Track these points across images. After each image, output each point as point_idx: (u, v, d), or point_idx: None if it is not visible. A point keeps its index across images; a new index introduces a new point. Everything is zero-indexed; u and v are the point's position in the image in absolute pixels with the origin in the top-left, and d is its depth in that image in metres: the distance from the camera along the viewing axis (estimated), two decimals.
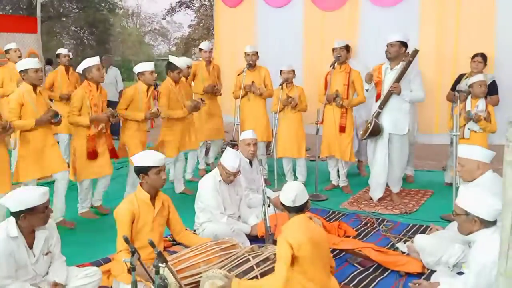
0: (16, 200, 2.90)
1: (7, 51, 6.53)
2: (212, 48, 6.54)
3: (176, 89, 5.54)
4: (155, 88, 7.61)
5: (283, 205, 2.94)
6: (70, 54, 7.55)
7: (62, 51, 7.31)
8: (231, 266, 3.10)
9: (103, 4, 23.13)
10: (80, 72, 4.90)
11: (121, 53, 29.45)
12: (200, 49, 6.57)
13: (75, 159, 4.84)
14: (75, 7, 22.59)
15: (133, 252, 2.54)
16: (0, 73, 6.53)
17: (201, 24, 24.16)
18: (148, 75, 5.15)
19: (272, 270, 2.97)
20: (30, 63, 4.41)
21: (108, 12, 23.70)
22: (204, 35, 23.78)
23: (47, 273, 3.12)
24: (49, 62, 11.86)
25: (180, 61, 5.58)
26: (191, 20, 25.98)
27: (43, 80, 5.32)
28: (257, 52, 6.13)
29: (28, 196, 2.91)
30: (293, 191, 2.91)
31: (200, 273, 3.10)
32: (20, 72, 4.41)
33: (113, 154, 5.03)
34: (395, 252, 3.92)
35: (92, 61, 4.78)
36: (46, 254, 3.09)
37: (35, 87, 4.43)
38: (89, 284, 3.15)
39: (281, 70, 5.84)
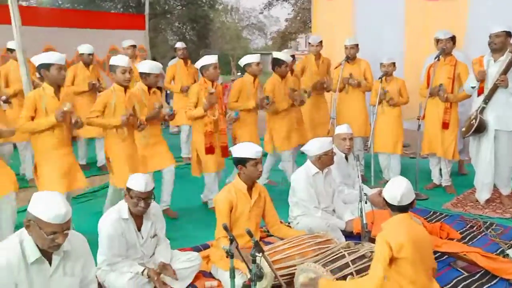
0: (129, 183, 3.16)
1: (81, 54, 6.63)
2: (321, 41, 6.33)
3: (282, 84, 5.49)
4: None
5: (386, 202, 2.83)
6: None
7: (178, 45, 7.67)
8: (326, 260, 3.07)
9: (204, 1, 24.05)
10: (198, 68, 5.02)
11: (219, 47, 30.42)
12: (309, 43, 6.47)
13: (196, 153, 4.99)
14: (179, 4, 23.74)
15: (232, 240, 2.63)
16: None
17: (298, 18, 24.10)
18: (255, 67, 5.26)
19: (368, 268, 2.90)
20: (150, 66, 4.62)
21: (209, 8, 24.57)
22: (301, 29, 23.72)
23: (153, 254, 3.35)
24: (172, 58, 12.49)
25: (285, 54, 5.56)
26: (288, 14, 26.07)
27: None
28: (357, 45, 5.97)
29: (136, 183, 3.15)
30: (399, 190, 2.76)
31: (295, 265, 3.13)
32: (140, 74, 4.64)
33: (225, 152, 5.04)
34: (505, 259, 3.62)
35: (209, 60, 4.86)
36: (153, 237, 3.32)
37: (149, 88, 4.64)
38: (190, 268, 3.33)
39: (381, 63, 5.64)
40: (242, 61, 5.37)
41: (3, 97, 5.43)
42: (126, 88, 4.34)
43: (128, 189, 3.16)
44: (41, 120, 3.88)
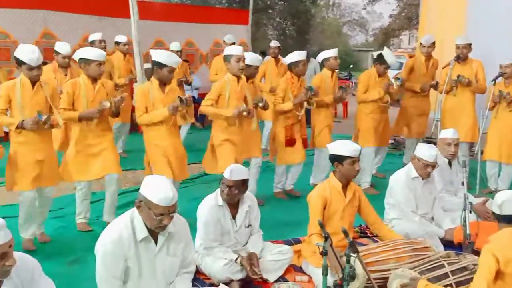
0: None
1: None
2: (434, 42, 5.96)
3: (378, 80, 5.44)
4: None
5: (493, 213, 2.65)
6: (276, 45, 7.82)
7: (273, 43, 7.76)
8: (423, 268, 2.95)
9: None
10: (287, 63, 5.16)
11: (319, 43, 30.21)
12: (420, 44, 6.14)
13: (275, 144, 5.17)
14: None
15: (326, 237, 2.62)
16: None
17: (403, 14, 23.17)
18: (333, 61, 5.31)
19: (469, 281, 2.73)
20: (251, 58, 4.72)
21: (311, 4, 24.53)
22: (405, 25, 22.77)
23: (246, 243, 3.46)
24: (262, 53, 12.77)
25: (391, 58, 5.43)
26: (393, 10, 25.15)
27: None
28: (469, 45, 5.58)
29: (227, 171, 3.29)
30: (501, 197, 2.60)
31: (389, 269, 3.04)
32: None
33: (305, 143, 5.23)
34: None
35: (299, 56, 4.98)
36: (248, 226, 3.42)
37: (248, 78, 4.74)
38: (281, 260, 3.38)
39: (500, 65, 5.25)
40: (320, 57, 5.43)
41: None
42: (239, 78, 4.52)
43: (222, 177, 3.30)
44: (155, 113, 4.13)
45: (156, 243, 2.63)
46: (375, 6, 28.44)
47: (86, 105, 4.01)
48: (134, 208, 2.60)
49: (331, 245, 2.62)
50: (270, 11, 24.14)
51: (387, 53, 5.44)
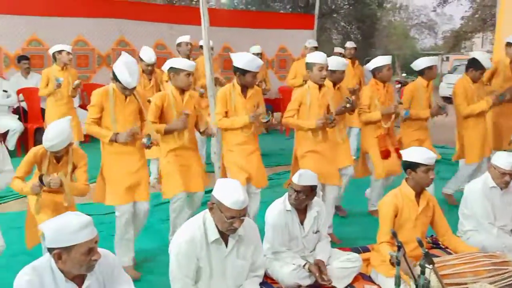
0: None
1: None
2: None
3: (474, 88, 5.08)
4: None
5: None
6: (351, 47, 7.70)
7: (348, 44, 7.61)
8: (503, 284, 2.80)
9: None
10: (370, 69, 4.86)
11: (384, 47, 29.51)
12: (509, 43, 5.70)
13: (367, 157, 4.88)
14: (346, 3, 23.67)
15: (399, 246, 2.55)
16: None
17: (476, 16, 22.06)
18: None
19: None
20: (337, 63, 4.57)
21: (377, 7, 24.00)
22: (479, 27, 21.68)
23: (313, 249, 3.43)
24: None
25: (486, 62, 5.05)
26: (465, 12, 24.03)
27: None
28: None
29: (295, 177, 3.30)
30: None
31: (466, 283, 2.90)
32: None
33: (399, 154, 4.70)
34: None
35: (383, 61, 4.69)
36: (315, 232, 3.40)
37: (334, 84, 4.61)
38: (350, 268, 3.33)
39: None
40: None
41: (201, 90, 6.02)
42: (321, 86, 4.25)
43: (291, 182, 3.31)
44: (236, 119, 4.01)
45: (226, 245, 2.68)
46: (446, 8, 27.41)
47: (175, 117, 3.87)
48: (207, 210, 2.67)
49: (404, 255, 2.55)
50: (335, 15, 23.86)
51: (482, 56, 5.07)
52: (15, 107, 6.90)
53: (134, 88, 3.63)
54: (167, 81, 5.44)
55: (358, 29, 24.54)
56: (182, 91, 3.92)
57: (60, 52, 5.76)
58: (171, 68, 3.89)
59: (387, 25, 31.74)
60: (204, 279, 2.66)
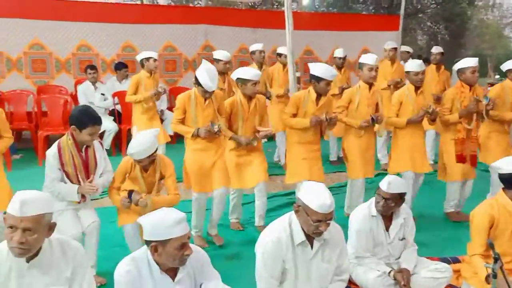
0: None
1: (253, 53, 6.54)
2: None
3: None
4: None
5: None
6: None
7: (435, 49, 7.28)
8: None
9: None
10: (455, 70, 4.74)
11: (475, 47, 27.80)
12: None
13: (445, 160, 4.81)
14: (433, 2, 22.64)
15: (496, 258, 2.41)
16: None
17: None
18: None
19: None
20: (416, 65, 4.63)
21: (467, 5, 22.70)
22: None
23: (399, 257, 3.33)
24: (425, 60, 12.17)
25: None
26: None
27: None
28: None
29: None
30: None
31: None
32: (407, 72, 4.70)
33: (473, 161, 4.71)
34: None
35: (467, 63, 4.54)
36: (401, 239, 3.30)
37: (417, 88, 4.62)
38: (440, 278, 3.20)
39: None
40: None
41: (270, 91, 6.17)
42: (371, 85, 4.57)
43: (378, 188, 3.24)
44: (299, 121, 4.38)
45: (312, 248, 2.69)
46: None
47: (242, 121, 4.31)
48: (292, 212, 2.70)
49: (501, 267, 2.40)
50: (421, 15, 22.92)
51: None
52: (110, 109, 7.40)
53: (213, 91, 4.03)
54: None
55: (446, 29, 23.37)
56: (250, 98, 4.30)
57: (147, 59, 6.08)
58: (238, 78, 4.26)
59: (478, 24, 29.87)
60: (289, 281, 2.69)
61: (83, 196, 3.47)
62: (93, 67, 7.19)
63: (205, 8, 9.23)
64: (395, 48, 7.07)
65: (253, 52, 6.50)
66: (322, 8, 23.11)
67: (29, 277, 2.22)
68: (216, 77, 3.99)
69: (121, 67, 7.42)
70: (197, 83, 3.97)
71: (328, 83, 4.26)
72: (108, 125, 7.00)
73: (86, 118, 3.33)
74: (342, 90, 6.75)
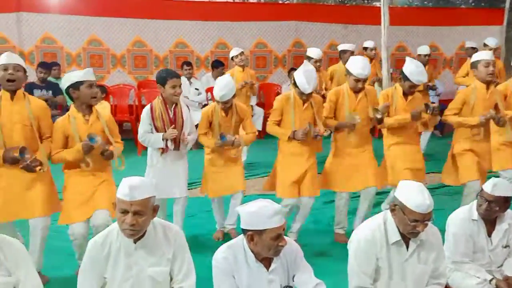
0: None
1: (343, 51, 6.42)
2: None
3: None
4: None
5: None
6: None
7: None
8: None
9: None
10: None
11: None
12: None
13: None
14: None
15: None
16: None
17: None
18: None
19: None
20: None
21: None
22: None
23: (501, 265, 3.13)
24: None
25: None
26: None
27: None
28: None
29: None
30: None
31: None
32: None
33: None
34: None
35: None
36: (505, 247, 3.10)
37: (488, 83, 4.24)
38: None
39: None
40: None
41: None
42: (488, 84, 4.19)
43: (481, 190, 3.06)
44: (398, 118, 4.18)
45: (407, 248, 2.62)
46: None
47: (347, 113, 4.11)
48: (388, 211, 2.64)
49: None
50: None
51: None
52: (203, 103, 7.71)
53: (310, 94, 3.96)
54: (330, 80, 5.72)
55: None
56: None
57: (236, 56, 6.32)
58: (347, 70, 4.13)
59: None
60: (383, 280, 2.64)
61: (166, 145, 3.84)
62: (188, 64, 7.53)
63: (296, 5, 9.26)
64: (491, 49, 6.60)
65: (343, 51, 6.46)
66: (415, 3, 22.12)
67: (136, 256, 2.40)
68: (313, 79, 3.89)
69: (218, 65, 7.71)
70: (294, 84, 3.95)
71: (412, 85, 4.10)
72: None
73: (164, 73, 3.83)
74: (427, 87, 6.47)
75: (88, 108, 3.44)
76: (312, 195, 4.10)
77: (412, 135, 4.30)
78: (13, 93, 3.31)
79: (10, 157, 3.21)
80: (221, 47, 8.51)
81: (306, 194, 4.07)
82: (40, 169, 3.28)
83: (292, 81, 4.00)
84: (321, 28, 8.85)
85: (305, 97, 3.97)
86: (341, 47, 6.75)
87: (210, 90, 7.50)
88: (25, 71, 3.37)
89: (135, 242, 2.39)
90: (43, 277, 3.18)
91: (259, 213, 2.31)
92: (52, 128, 3.45)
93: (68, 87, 3.37)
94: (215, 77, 7.72)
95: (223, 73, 7.65)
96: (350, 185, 4.21)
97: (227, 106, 4.06)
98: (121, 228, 2.32)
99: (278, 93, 7.95)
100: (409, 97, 4.20)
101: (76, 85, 3.34)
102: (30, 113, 3.33)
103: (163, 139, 3.81)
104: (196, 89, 7.51)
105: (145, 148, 4.10)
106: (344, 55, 6.42)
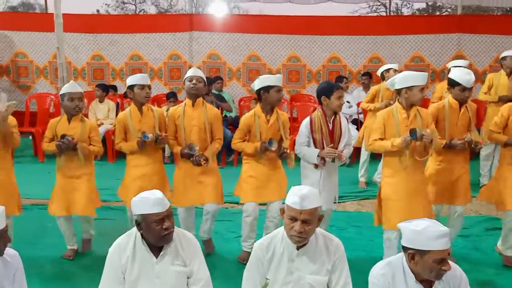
0: None
1: (503, 58, 5.86)
2: None
3: None
4: None
5: None
6: None
7: None
8: None
9: None
10: None
11: None
12: None
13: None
14: None
15: None
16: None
17: None
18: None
19: None
20: None
21: None
22: None
23: None
24: None
25: None
26: None
27: None
28: None
29: None
30: None
31: None
32: None
33: None
34: None
35: None
36: None
37: None
38: None
39: None
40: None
41: None
42: None
43: None
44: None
45: None
46: None
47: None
48: None
49: None
50: None
51: None
52: (353, 117, 7.70)
53: (469, 94, 3.85)
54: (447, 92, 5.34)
55: None
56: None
57: (387, 70, 6.14)
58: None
59: None
60: None
61: (323, 159, 3.86)
62: (342, 78, 7.62)
63: (457, 16, 8.69)
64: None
65: (503, 58, 5.95)
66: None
67: (298, 262, 2.53)
68: (472, 78, 3.84)
69: (364, 75, 7.72)
70: (451, 84, 3.91)
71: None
72: (352, 133, 7.29)
73: (329, 85, 3.87)
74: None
75: (271, 109, 3.99)
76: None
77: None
78: (194, 100, 4.04)
79: (184, 152, 3.96)
80: (374, 61, 8.46)
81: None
82: (204, 164, 3.92)
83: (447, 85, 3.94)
84: (487, 40, 8.23)
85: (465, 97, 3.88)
86: (502, 54, 6.20)
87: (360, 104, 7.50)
88: (205, 83, 4.09)
89: (297, 249, 2.52)
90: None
91: (424, 233, 2.26)
92: (221, 131, 4.17)
93: (260, 88, 3.91)
94: (365, 89, 7.75)
95: (369, 84, 7.62)
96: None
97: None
98: (289, 234, 2.47)
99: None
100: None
101: (267, 88, 3.89)
102: (206, 118, 4.02)
103: (318, 156, 3.85)
104: (347, 102, 7.56)
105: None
106: (503, 62, 5.93)
